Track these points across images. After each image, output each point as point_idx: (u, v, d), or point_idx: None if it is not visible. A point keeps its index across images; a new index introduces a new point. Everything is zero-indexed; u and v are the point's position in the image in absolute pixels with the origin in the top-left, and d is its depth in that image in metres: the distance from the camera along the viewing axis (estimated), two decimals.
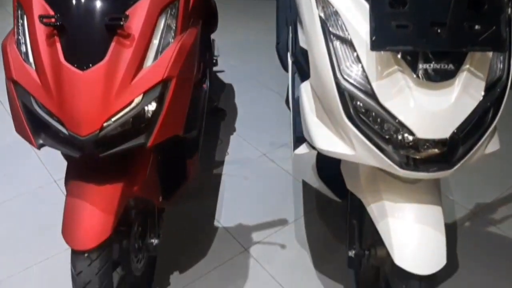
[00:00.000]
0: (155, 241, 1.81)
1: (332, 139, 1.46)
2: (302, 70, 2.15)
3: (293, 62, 2.41)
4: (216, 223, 2.30)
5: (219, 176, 2.58)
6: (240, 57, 3.65)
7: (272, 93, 3.24)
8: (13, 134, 1.50)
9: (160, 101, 1.42)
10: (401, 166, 1.34)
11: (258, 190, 2.49)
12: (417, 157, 1.35)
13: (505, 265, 2.08)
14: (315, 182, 1.96)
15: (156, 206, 1.84)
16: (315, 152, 1.68)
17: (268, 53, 3.57)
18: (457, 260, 2.09)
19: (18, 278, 2.04)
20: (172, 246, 2.17)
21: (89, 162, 1.52)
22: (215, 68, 3.18)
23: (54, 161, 2.57)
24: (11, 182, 2.54)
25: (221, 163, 2.68)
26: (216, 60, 2.84)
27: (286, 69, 2.67)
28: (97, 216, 1.47)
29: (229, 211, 2.36)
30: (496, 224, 2.26)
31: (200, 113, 2.14)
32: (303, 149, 1.78)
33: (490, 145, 1.44)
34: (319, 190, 2.04)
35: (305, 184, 2.49)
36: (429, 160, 1.35)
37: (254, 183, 2.54)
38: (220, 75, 3.41)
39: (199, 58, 2.06)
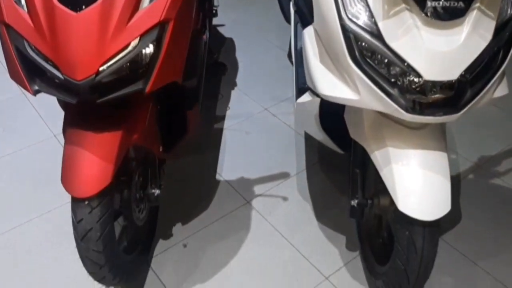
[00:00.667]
0: (156, 191, 1.79)
1: (336, 84, 1.42)
2: (305, 18, 2.08)
3: (295, 12, 2.33)
4: (218, 177, 2.28)
5: (220, 130, 2.55)
6: (241, 10, 3.56)
7: (273, 47, 3.17)
8: (12, 90, 1.45)
9: (157, 44, 1.37)
10: (407, 111, 1.30)
11: (259, 145, 2.46)
12: (424, 101, 1.31)
13: (507, 217, 2.07)
14: (318, 133, 1.92)
15: (156, 157, 1.82)
16: (318, 100, 1.64)
17: (269, 6, 3.48)
18: (461, 211, 2.08)
19: (20, 230, 2.04)
20: (174, 198, 2.17)
21: (87, 109, 1.49)
22: (215, 22, 3.10)
23: (53, 116, 2.54)
24: (11, 136, 2.52)
25: (222, 117, 2.64)
26: (216, 11, 2.76)
27: (288, 20, 2.60)
28: (97, 163, 1.45)
29: (230, 165, 2.34)
30: (500, 177, 2.24)
31: (199, 61, 2.09)
32: (306, 97, 1.74)
33: (499, 89, 1.39)
34: (321, 143, 2.02)
35: (307, 138, 2.47)
36: (436, 104, 1.31)
37: (256, 137, 2.51)
38: (220, 29, 3.32)
39: (198, 6, 1.99)
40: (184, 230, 2.04)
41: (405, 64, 1.26)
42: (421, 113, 1.31)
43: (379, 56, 1.30)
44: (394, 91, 1.31)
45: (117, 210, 1.68)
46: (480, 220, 2.05)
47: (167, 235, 2.02)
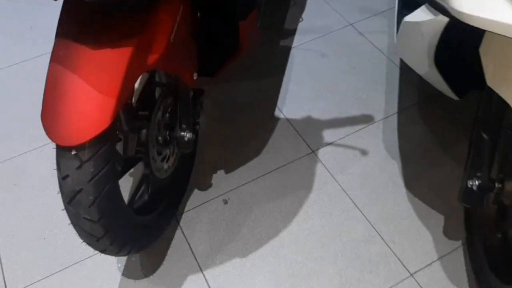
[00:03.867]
0: (187, 134, 1.30)
1: None
2: None
3: None
4: (277, 113, 1.74)
5: (286, 50, 1.96)
6: None
7: None
8: None
9: None
10: None
11: (337, 73, 1.86)
12: None
13: None
14: (425, 67, 1.31)
15: (189, 86, 1.30)
16: (444, 21, 1.02)
17: None
18: None
19: None
20: (217, 137, 1.68)
21: (87, 15, 0.99)
22: None
23: None
24: (38, 37, 2.10)
25: (292, 32, 2.03)
26: None
27: None
28: (91, 96, 0.97)
29: (295, 99, 1.78)
30: None
31: None
32: (420, 14, 1.11)
33: None
34: (425, 80, 1.40)
35: (404, 69, 1.83)
36: None
37: (334, 62, 1.90)
38: None
39: None
40: (227, 181, 1.57)
41: None
42: None
43: None
44: None
45: (132, 157, 1.22)
46: None
47: (204, 185, 1.56)
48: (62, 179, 1.01)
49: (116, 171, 1.08)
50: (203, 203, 1.52)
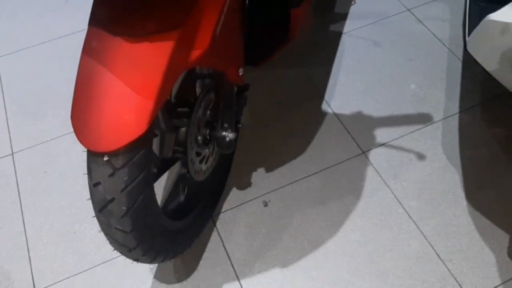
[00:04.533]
0: (229, 134, 1.17)
1: None
2: None
3: None
4: (325, 107, 1.60)
5: (337, 35, 1.80)
6: None
7: None
8: None
9: None
10: None
11: (392, 63, 1.69)
12: None
13: None
14: (502, 70, 1.14)
15: (233, 82, 1.17)
16: None
17: None
18: None
19: None
20: (259, 132, 1.55)
21: (121, 9, 0.87)
22: None
23: None
24: (73, 12, 2.00)
25: (343, 17, 1.86)
26: None
27: None
28: (127, 98, 0.86)
29: (345, 92, 1.63)
30: None
31: None
32: (508, 14, 0.94)
33: None
34: (492, 78, 1.24)
35: (467, 64, 1.65)
36: None
37: (388, 51, 1.73)
38: None
39: None
40: (268, 181, 1.45)
41: None
42: None
43: None
44: None
45: (168, 159, 1.11)
46: None
47: (244, 185, 1.45)
48: (93, 186, 0.91)
49: (151, 176, 0.97)
50: (241, 204, 1.41)
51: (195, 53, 0.91)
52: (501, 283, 1.22)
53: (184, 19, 0.87)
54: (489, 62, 1.21)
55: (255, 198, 1.42)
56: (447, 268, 1.25)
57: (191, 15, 0.88)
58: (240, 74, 1.12)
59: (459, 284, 1.22)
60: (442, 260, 1.26)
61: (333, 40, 1.79)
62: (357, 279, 1.24)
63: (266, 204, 1.41)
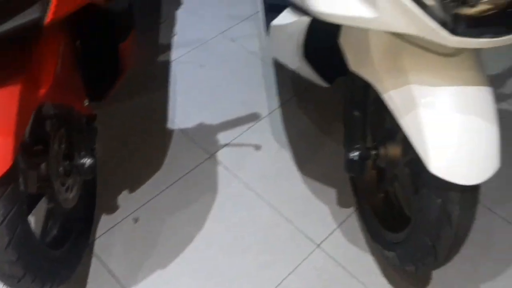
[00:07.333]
0: (87, 160, 1.31)
1: None
2: None
3: None
4: (169, 125, 1.81)
5: (166, 64, 2.03)
6: None
7: None
8: None
9: None
10: (453, 31, 0.87)
11: (218, 80, 1.98)
12: (472, 13, 0.88)
13: None
14: (297, 63, 1.47)
15: (81, 113, 1.31)
16: (307, 21, 1.17)
17: None
18: None
19: None
20: (115, 159, 1.69)
21: None
22: None
23: None
24: None
25: (167, 47, 2.11)
26: None
27: None
28: None
29: (184, 109, 1.86)
30: (507, 99, 1.90)
31: None
32: (286, 17, 1.26)
33: None
34: (297, 73, 1.57)
35: (277, 67, 2.00)
36: (488, 21, 0.89)
37: (212, 70, 2.02)
38: None
39: None
40: (133, 200, 1.60)
41: None
42: (469, 33, 0.89)
43: None
44: (431, 2, 0.87)
45: (34, 195, 1.21)
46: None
47: (112, 208, 1.58)
48: None
49: (24, 210, 1.07)
50: (113, 226, 1.54)
51: (42, 91, 1.05)
52: (338, 226, 1.53)
53: (27, 63, 1.01)
54: (287, 60, 1.54)
55: (125, 218, 1.56)
56: (295, 226, 1.53)
57: (33, 59, 1.03)
58: (86, 105, 1.27)
59: (306, 236, 1.51)
60: (289, 221, 1.54)
61: (163, 68, 2.01)
62: (228, 258, 1.45)
63: (136, 220, 1.56)
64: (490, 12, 0.89)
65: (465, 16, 0.88)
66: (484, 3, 0.88)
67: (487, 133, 1.01)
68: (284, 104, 1.88)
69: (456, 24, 0.89)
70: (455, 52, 1.03)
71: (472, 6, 0.88)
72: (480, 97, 1.02)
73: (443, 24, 0.88)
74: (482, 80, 1.04)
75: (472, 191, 1.05)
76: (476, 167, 1.00)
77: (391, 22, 0.91)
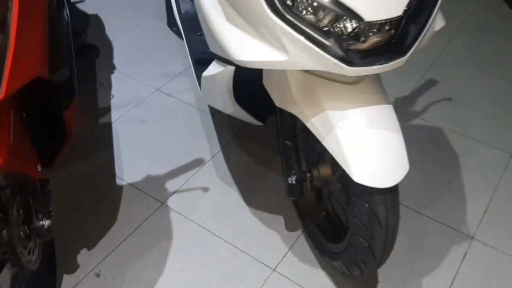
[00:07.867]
0: (45, 222, 1.38)
1: (254, 45, 1.14)
2: None
3: None
4: (119, 181, 1.90)
5: (108, 125, 2.14)
6: None
7: (148, 18, 2.76)
8: None
9: (2, 28, 0.96)
10: (350, 64, 1.06)
11: (160, 133, 2.10)
12: (363, 48, 1.08)
13: (438, 154, 1.99)
14: (230, 107, 1.64)
15: (35, 178, 1.39)
16: (232, 69, 1.34)
17: None
18: None
19: None
20: (70, 220, 1.75)
21: None
22: None
23: None
24: None
25: (107, 109, 2.22)
26: None
27: None
28: None
29: (131, 164, 1.97)
30: (419, 116, 2.16)
31: (65, 46, 1.65)
32: (214, 68, 1.43)
33: (438, 21, 1.21)
34: (233, 117, 1.73)
35: (214, 114, 2.16)
36: (378, 51, 1.10)
37: (154, 125, 2.14)
38: (80, 6, 2.81)
39: None
40: (92, 256, 1.66)
41: (337, 3, 1.02)
42: (363, 63, 1.08)
43: (304, 0, 1.04)
44: (329, 41, 1.06)
45: None
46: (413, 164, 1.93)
47: (73, 267, 1.62)
48: None
49: None
50: (77, 284, 1.58)
51: None
52: (289, 249, 1.67)
53: None
54: (221, 106, 1.70)
55: (87, 274, 1.61)
56: (250, 256, 1.65)
57: None
58: (39, 170, 1.36)
59: (262, 263, 1.63)
60: (244, 252, 1.66)
61: (106, 129, 2.11)
62: None
63: (98, 275, 1.61)
64: (379, 44, 1.09)
65: (358, 50, 1.08)
66: (373, 38, 1.08)
67: (395, 143, 1.20)
68: (225, 146, 2.03)
69: (352, 57, 1.08)
70: (358, 80, 1.23)
71: (364, 41, 1.08)
72: (385, 114, 1.22)
73: (342, 59, 1.06)
74: (384, 99, 1.24)
75: (392, 192, 1.23)
76: (391, 171, 1.18)
77: (300, 62, 1.09)
